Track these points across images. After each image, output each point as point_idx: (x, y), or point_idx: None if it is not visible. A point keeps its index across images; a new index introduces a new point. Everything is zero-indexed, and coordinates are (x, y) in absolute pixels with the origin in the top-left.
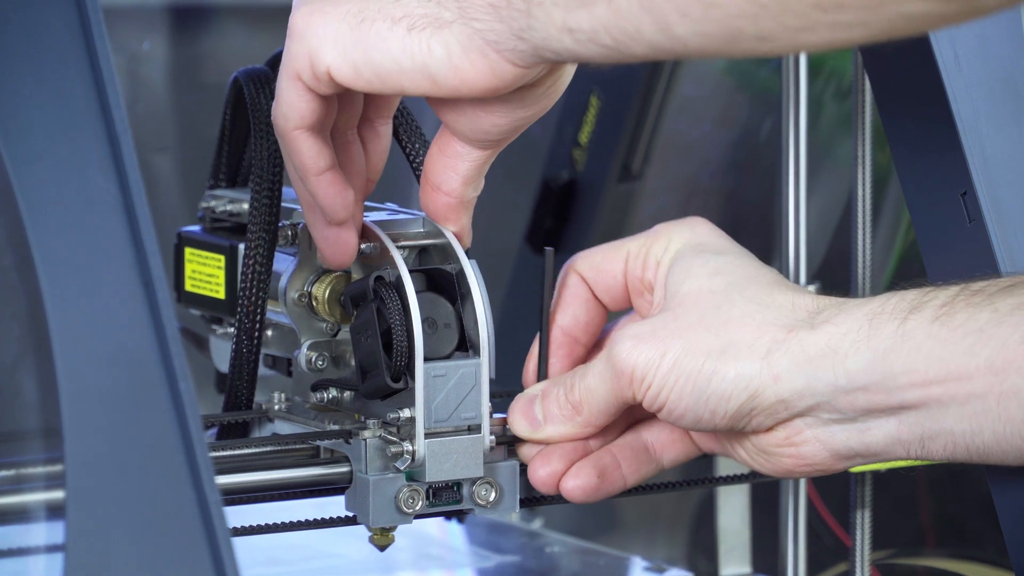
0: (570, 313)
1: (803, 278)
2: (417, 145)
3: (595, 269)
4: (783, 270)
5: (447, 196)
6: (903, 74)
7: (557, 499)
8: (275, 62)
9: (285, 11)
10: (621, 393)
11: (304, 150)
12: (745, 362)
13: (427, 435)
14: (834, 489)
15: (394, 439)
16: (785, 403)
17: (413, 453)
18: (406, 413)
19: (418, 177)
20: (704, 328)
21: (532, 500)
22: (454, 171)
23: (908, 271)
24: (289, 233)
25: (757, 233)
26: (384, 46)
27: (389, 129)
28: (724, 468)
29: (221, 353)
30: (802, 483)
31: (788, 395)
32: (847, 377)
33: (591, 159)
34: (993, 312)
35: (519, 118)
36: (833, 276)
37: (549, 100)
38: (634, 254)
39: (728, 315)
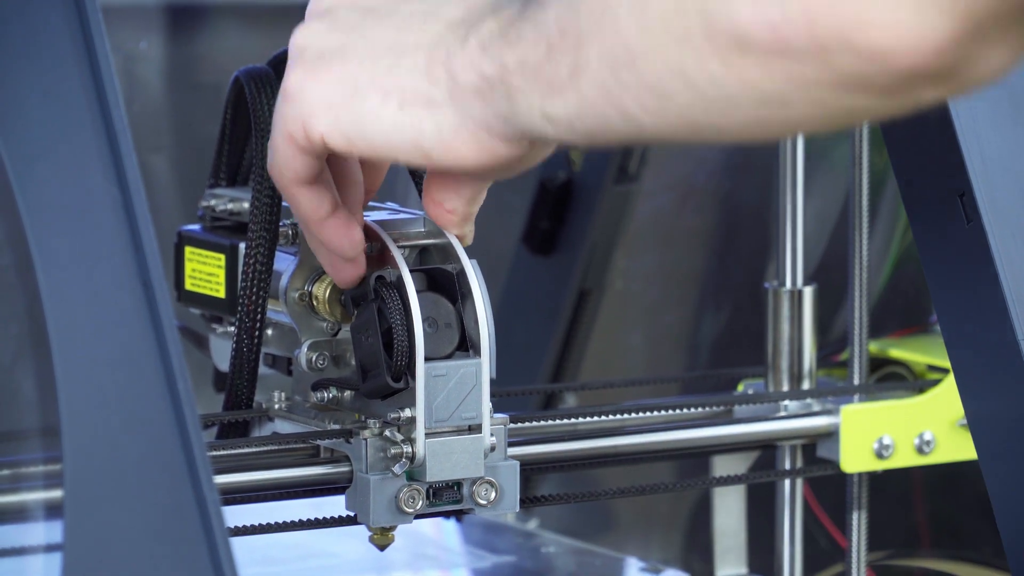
0: None
1: (800, 280)
2: None
3: None
4: (780, 272)
5: (449, 213)
6: None
7: (556, 499)
8: (277, 62)
9: (282, 11)
10: None
11: (304, 202)
12: None
13: (427, 435)
14: (830, 490)
15: (394, 439)
16: None
17: (413, 453)
18: (407, 413)
19: (418, 189)
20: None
21: (531, 500)
22: (455, 192)
23: (905, 273)
24: (290, 232)
25: (754, 235)
26: (376, 120)
27: None
28: (720, 469)
29: (221, 352)
30: (798, 484)
31: None
32: None
33: (588, 160)
34: None
35: (521, 168)
36: (830, 278)
37: (551, 149)
38: None
39: None
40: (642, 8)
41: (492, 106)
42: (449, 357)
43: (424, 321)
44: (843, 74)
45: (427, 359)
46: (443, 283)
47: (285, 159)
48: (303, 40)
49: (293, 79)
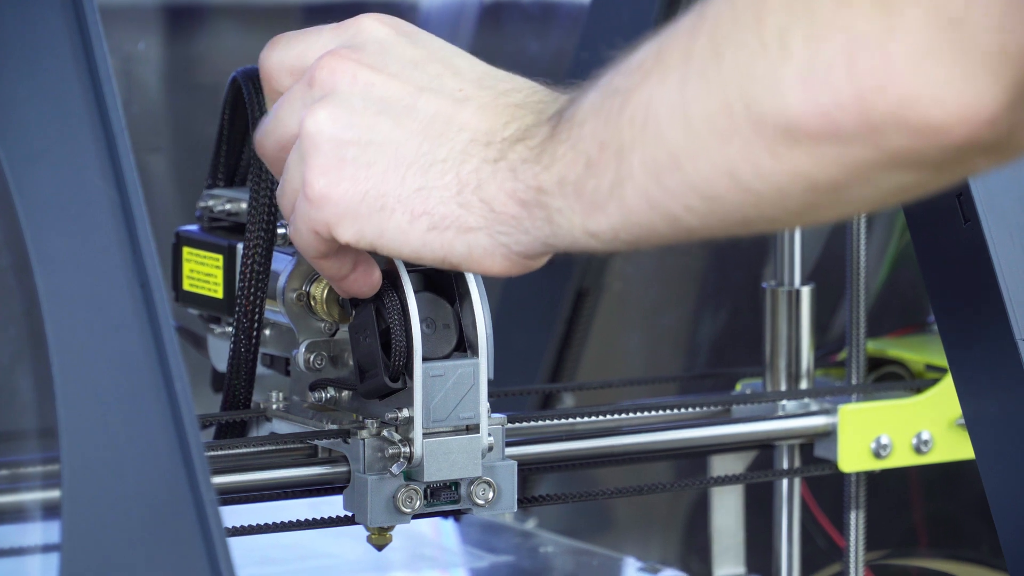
0: None
1: (797, 280)
2: None
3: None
4: (777, 272)
5: None
6: None
7: (553, 499)
8: None
9: (279, 11)
10: None
11: (326, 269)
12: None
13: (425, 435)
14: (828, 490)
15: (392, 439)
16: None
17: (411, 453)
18: (404, 413)
19: None
20: None
21: (529, 500)
22: None
23: (903, 273)
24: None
25: (751, 235)
26: (403, 238)
27: None
28: (718, 469)
29: (219, 352)
30: (796, 484)
31: None
32: None
33: None
34: None
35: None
36: (827, 278)
37: None
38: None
39: None
40: (684, 110)
41: (530, 232)
42: (447, 357)
43: (422, 322)
44: (896, 153)
45: (425, 359)
46: (441, 284)
47: (308, 243)
48: (316, 129)
49: (316, 186)
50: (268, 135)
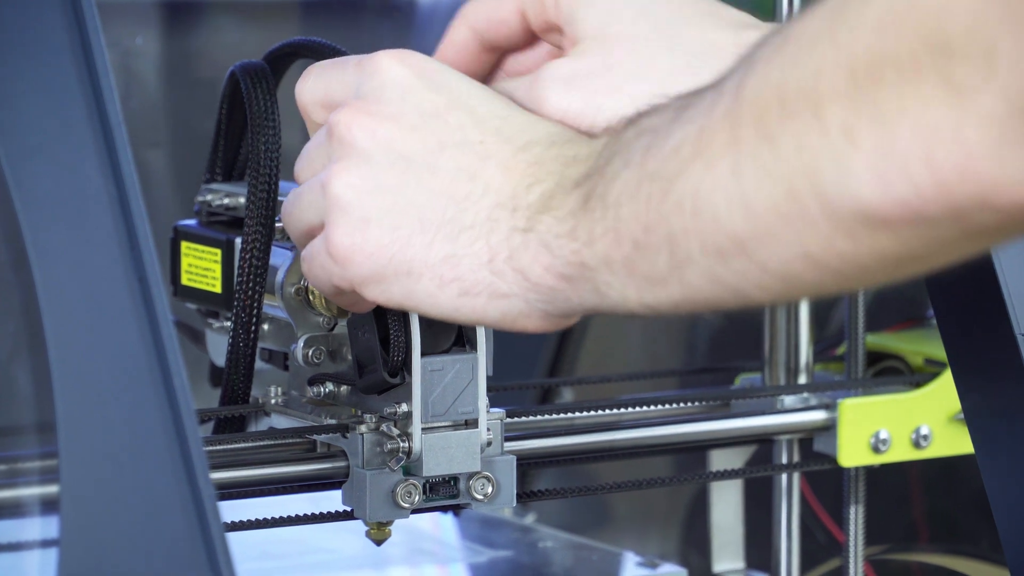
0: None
1: None
2: None
3: (488, 20)
4: None
5: None
6: None
7: (552, 494)
8: (272, 58)
9: (277, 7)
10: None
11: (341, 301)
12: None
13: (424, 430)
14: (827, 485)
15: (391, 434)
16: None
17: (410, 448)
18: (403, 408)
19: None
20: (641, 79)
21: (528, 494)
22: None
23: None
24: None
25: None
26: (432, 301)
27: None
28: (718, 463)
29: (217, 347)
30: (795, 478)
31: None
32: None
33: None
34: None
35: None
36: None
37: None
38: None
39: (666, 66)
40: (743, 199)
41: (573, 300)
42: (446, 352)
43: (421, 317)
44: (980, 228)
45: (423, 354)
46: None
47: (325, 288)
48: (341, 191)
49: (340, 246)
50: (296, 204)
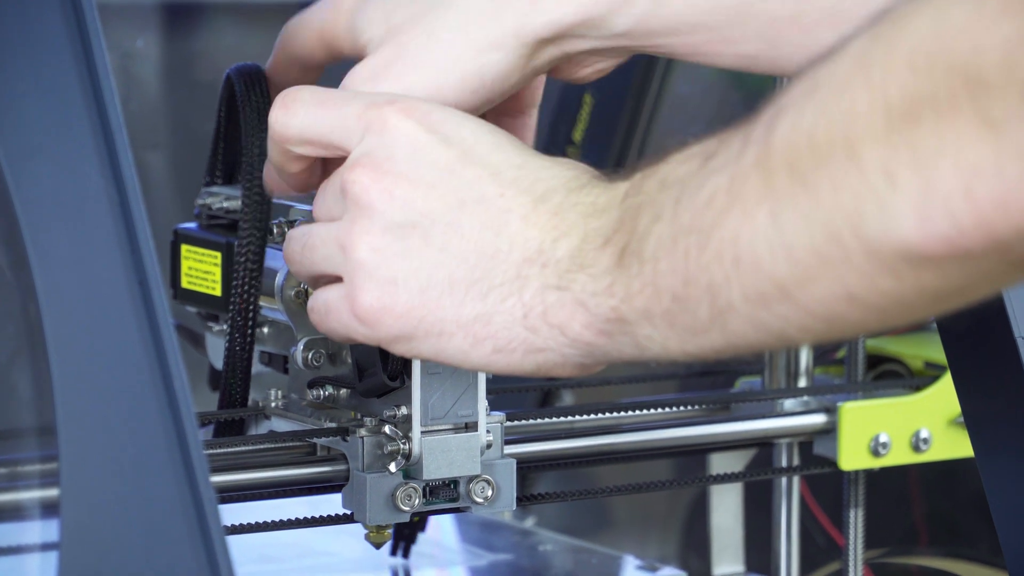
0: None
1: None
2: None
3: (301, 48)
4: None
5: None
6: None
7: (552, 497)
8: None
9: (277, 9)
10: None
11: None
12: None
13: (424, 432)
14: (827, 488)
15: (391, 436)
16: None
17: (410, 450)
18: (403, 410)
19: None
20: (432, 50)
21: (528, 498)
22: None
23: None
24: (286, 229)
25: None
26: (464, 358)
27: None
28: (717, 467)
29: (217, 350)
30: (795, 482)
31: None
32: (611, 33)
33: (585, 157)
34: None
35: None
36: None
37: None
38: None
39: (449, 35)
40: (784, 244)
41: (611, 353)
42: None
43: None
44: (1022, 257)
45: None
46: None
47: (339, 338)
48: (366, 256)
49: (369, 306)
50: (306, 254)
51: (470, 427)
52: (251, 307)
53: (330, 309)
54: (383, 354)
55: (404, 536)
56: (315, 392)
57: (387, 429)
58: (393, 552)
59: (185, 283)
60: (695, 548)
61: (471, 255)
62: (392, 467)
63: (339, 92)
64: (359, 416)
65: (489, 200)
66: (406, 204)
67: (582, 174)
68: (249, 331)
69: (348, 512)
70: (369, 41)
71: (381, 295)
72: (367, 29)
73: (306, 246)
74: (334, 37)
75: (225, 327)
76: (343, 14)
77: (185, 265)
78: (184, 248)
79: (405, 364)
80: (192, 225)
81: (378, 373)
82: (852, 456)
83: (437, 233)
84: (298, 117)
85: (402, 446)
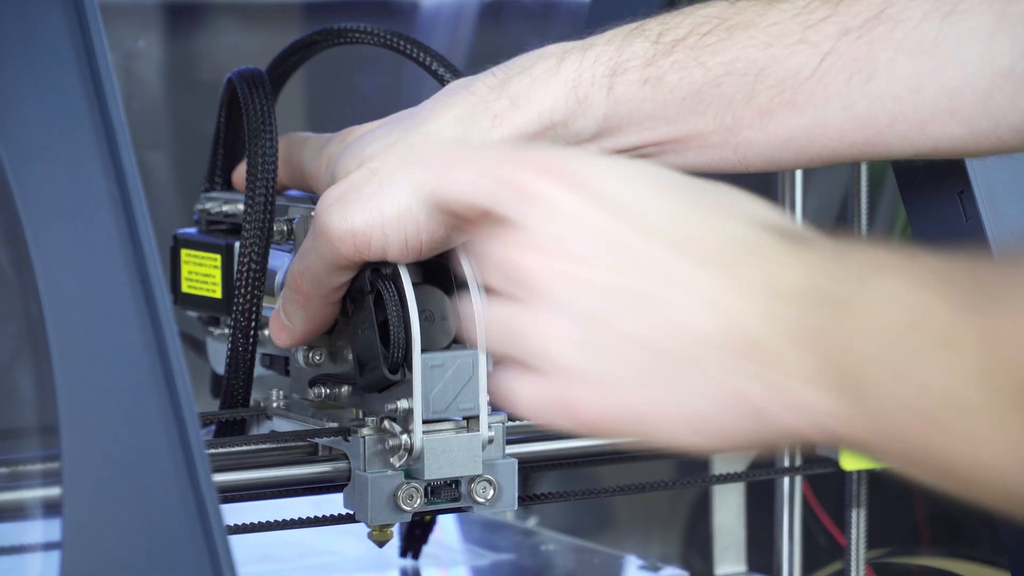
0: None
1: None
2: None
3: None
4: None
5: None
6: None
7: (554, 497)
8: (274, 68)
9: (278, 9)
10: (345, 260)
11: None
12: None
13: (425, 432)
14: (829, 488)
15: (392, 430)
16: None
17: (411, 445)
18: (404, 404)
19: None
20: (399, 168)
21: (530, 498)
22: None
23: None
24: (285, 229)
25: None
26: (671, 439)
27: None
28: (720, 467)
29: (218, 355)
30: (797, 482)
31: None
32: (579, 138)
33: None
34: (705, 72)
35: None
36: None
37: None
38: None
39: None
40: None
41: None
42: (446, 349)
43: (421, 313)
44: None
45: (424, 351)
46: (439, 276)
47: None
48: (569, 356)
49: (587, 412)
50: (501, 325)
51: (471, 424)
52: (254, 307)
53: (533, 404)
54: (384, 347)
55: (416, 537)
56: (316, 390)
57: (387, 424)
58: (402, 554)
59: (185, 287)
60: (697, 548)
61: (668, 351)
62: (394, 462)
63: (476, 151)
64: (361, 415)
65: (678, 283)
66: (592, 292)
67: (758, 235)
68: (252, 331)
69: (350, 512)
70: (345, 172)
71: (599, 402)
72: (346, 164)
73: (505, 324)
74: (316, 184)
75: (226, 330)
76: (324, 161)
77: (185, 270)
78: (184, 253)
79: (405, 357)
80: (192, 230)
81: (379, 367)
82: (854, 456)
83: (629, 330)
84: (467, 174)
85: (404, 439)
